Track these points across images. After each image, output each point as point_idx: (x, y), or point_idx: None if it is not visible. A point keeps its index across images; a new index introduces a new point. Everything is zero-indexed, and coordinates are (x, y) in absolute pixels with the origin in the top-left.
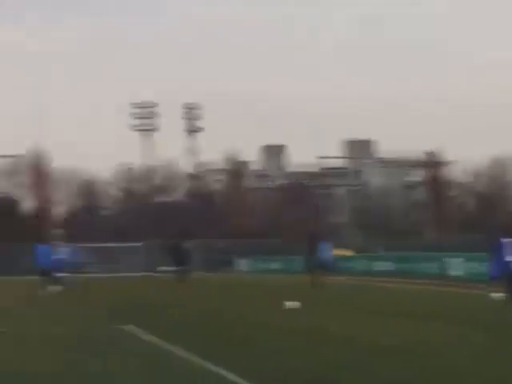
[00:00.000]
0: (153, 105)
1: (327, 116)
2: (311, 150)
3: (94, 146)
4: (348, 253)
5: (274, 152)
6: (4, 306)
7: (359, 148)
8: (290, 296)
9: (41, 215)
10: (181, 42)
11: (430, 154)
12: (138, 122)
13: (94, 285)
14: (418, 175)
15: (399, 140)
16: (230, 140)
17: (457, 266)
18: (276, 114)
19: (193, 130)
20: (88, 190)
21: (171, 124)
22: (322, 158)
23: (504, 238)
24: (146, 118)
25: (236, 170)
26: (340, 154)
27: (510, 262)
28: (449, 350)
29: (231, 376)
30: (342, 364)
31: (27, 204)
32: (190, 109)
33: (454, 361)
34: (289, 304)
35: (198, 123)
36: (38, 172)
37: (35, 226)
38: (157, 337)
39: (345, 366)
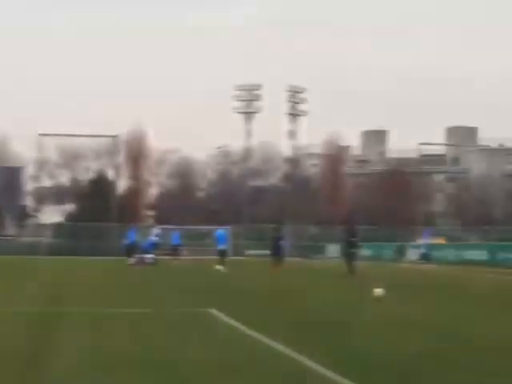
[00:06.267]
0: (256, 87)
1: (431, 103)
2: (414, 136)
3: (194, 127)
4: (441, 241)
5: (375, 137)
6: (93, 286)
7: (462, 135)
8: (380, 283)
9: (135, 196)
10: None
11: None
12: (240, 104)
13: (182, 267)
14: None
15: (504, 127)
16: (332, 124)
17: None
18: (380, 99)
19: (296, 114)
20: (184, 171)
21: (275, 107)
22: (423, 144)
23: None
24: (249, 101)
25: (335, 155)
26: (443, 141)
27: None
28: None
29: (316, 366)
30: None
31: (123, 184)
32: (295, 92)
33: None
34: (377, 291)
35: (302, 107)
36: (135, 152)
37: (129, 207)
38: (239, 321)
39: (434, 356)
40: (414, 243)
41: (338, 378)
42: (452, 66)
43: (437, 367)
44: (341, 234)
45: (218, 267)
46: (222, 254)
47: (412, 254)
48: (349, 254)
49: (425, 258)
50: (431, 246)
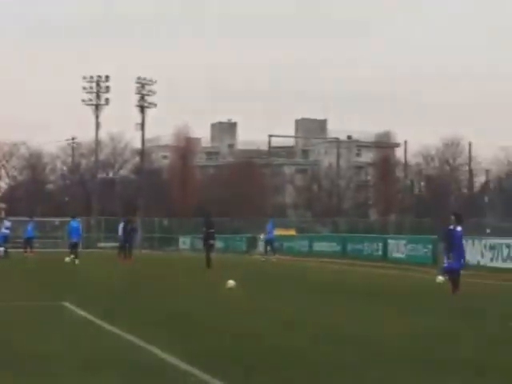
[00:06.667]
0: (105, 79)
1: (282, 94)
2: (264, 128)
3: (42, 119)
4: (291, 232)
5: (225, 129)
6: None
7: (311, 127)
8: (233, 275)
9: None
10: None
11: (381, 136)
12: (89, 96)
13: (34, 259)
14: (368, 156)
15: (351, 121)
16: (181, 116)
17: (399, 247)
18: (232, 91)
19: (145, 106)
20: (34, 164)
21: (124, 99)
22: (273, 136)
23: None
24: (97, 93)
25: (185, 147)
26: (292, 133)
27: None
28: (388, 331)
29: (163, 355)
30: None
31: None
32: (143, 84)
33: (392, 342)
34: (230, 283)
35: (151, 98)
36: None
37: None
38: (92, 314)
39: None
40: (263, 235)
41: (188, 367)
42: (299, 59)
43: (284, 359)
44: (198, 226)
45: (70, 259)
46: (74, 246)
47: (263, 246)
48: (207, 246)
49: (266, 249)
50: (280, 237)
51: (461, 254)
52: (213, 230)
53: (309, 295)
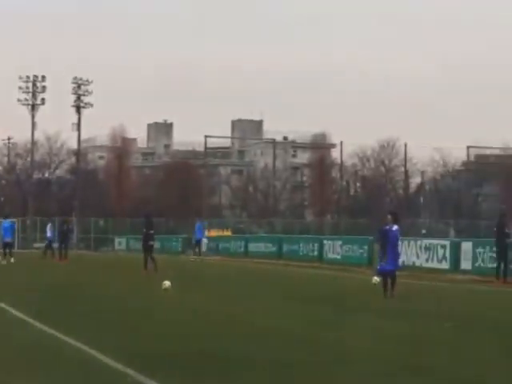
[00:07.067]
0: (41, 79)
1: (218, 95)
2: (200, 128)
3: None
4: (226, 233)
5: (161, 130)
6: None
7: (247, 128)
8: (168, 275)
9: None
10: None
11: (317, 137)
12: (25, 95)
13: None
14: (303, 157)
15: (288, 121)
16: (118, 117)
17: (335, 248)
18: (168, 91)
19: (81, 106)
20: None
21: (60, 99)
22: (209, 137)
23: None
24: (33, 92)
25: (121, 147)
26: (228, 134)
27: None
28: (324, 331)
29: (99, 355)
30: (221, 346)
31: None
32: (80, 84)
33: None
34: (166, 283)
35: (87, 99)
36: None
37: None
38: (28, 315)
39: (223, 348)
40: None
41: (123, 368)
42: (247, 59)
43: (217, 359)
44: (134, 227)
45: (4, 260)
46: (8, 246)
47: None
48: (146, 247)
49: (195, 249)
50: (216, 238)
51: (396, 254)
52: (152, 231)
53: (244, 296)
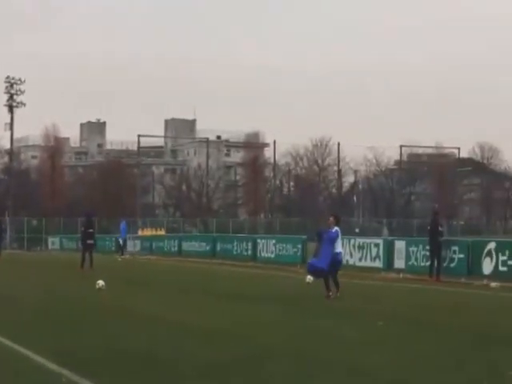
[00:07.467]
0: None
1: (151, 94)
2: (133, 128)
3: None
4: (160, 232)
5: (94, 129)
6: None
7: (180, 127)
8: (102, 275)
9: None
10: None
11: (250, 136)
12: None
13: None
14: (237, 156)
15: (221, 121)
16: (50, 116)
17: (269, 247)
18: (101, 91)
19: (13, 105)
20: None
21: None
22: (142, 136)
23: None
24: None
25: (54, 147)
26: (161, 133)
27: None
28: (263, 331)
29: (33, 355)
30: (162, 345)
31: None
32: (12, 83)
33: (269, 340)
34: (100, 283)
35: (20, 98)
36: None
37: None
38: None
39: (165, 347)
40: (135, 235)
41: (57, 368)
42: (171, 58)
43: (151, 359)
44: (67, 226)
45: None
46: None
47: (133, 246)
48: (86, 246)
49: (121, 249)
50: (150, 238)
51: (328, 254)
52: (92, 230)
53: (176, 295)
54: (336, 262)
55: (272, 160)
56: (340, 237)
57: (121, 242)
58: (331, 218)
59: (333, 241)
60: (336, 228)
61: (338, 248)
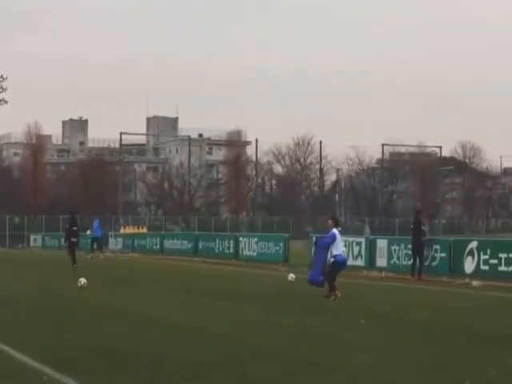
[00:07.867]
0: None
1: (133, 92)
2: (115, 125)
3: None
4: (142, 230)
5: (76, 126)
6: None
7: (162, 125)
8: (84, 273)
9: None
10: None
11: (232, 134)
12: None
13: None
14: (219, 154)
15: (203, 119)
16: (33, 113)
17: (251, 245)
18: (83, 89)
19: None
20: None
21: None
22: (124, 133)
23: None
24: None
25: (36, 144)
26: (143, 131)
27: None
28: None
29: (15, 354)
30: (147, 344)
31: None
32: None
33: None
34: (82, 281)
35: (1, 95)
36: None
37: None
38: None
39: (151, 346)
40: (117, 233)
41: (35, 364)
42: (165, 56)
43: (135, 358)
44: (49, 224)
45: None
46: None
47: (114, 244)
48: (70, 243)
49: (93, 246)
50: (132, 236)
51: (319, 263)
52: (76, 228)
53: (161, 293)
54: (336, 263)
55: (254, 158)
56: (339, 238)
57: (93, 240)
58: (330, 221)
59: (327, 246)
60: (332, 231)
61: (337, 250)
